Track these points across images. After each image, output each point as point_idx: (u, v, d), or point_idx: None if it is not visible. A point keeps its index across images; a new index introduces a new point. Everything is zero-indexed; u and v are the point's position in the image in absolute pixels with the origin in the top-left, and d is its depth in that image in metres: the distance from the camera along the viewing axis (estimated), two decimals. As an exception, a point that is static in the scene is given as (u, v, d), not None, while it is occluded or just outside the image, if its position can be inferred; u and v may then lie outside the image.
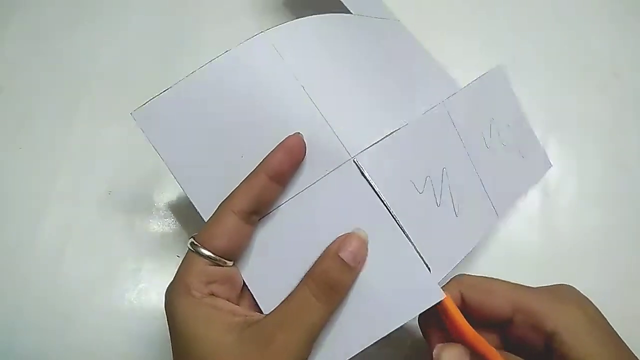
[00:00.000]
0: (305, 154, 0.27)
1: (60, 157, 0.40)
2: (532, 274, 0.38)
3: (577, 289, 0.28)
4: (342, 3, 0.34)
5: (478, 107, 0.36)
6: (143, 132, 0.28)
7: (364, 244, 0.26)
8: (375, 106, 0.31)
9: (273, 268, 0.27)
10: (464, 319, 0.25)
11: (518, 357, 0.24)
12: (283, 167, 0.26)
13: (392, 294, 0.26)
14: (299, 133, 0.27)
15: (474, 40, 0.45)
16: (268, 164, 0.26)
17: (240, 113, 0.28)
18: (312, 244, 0.27)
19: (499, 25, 0.46)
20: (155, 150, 0.28)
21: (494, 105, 0.37)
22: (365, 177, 0.27)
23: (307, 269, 0.26)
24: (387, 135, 0.29)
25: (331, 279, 0.25)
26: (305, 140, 0.27)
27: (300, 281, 0.25)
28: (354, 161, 0.27)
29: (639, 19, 0.46)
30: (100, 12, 0.45)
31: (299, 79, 0.28)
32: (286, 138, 0.26)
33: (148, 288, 0.36)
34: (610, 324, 0.27)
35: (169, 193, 0.39)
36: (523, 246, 0.38)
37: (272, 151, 0.26)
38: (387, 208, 0.27)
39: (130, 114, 0.27)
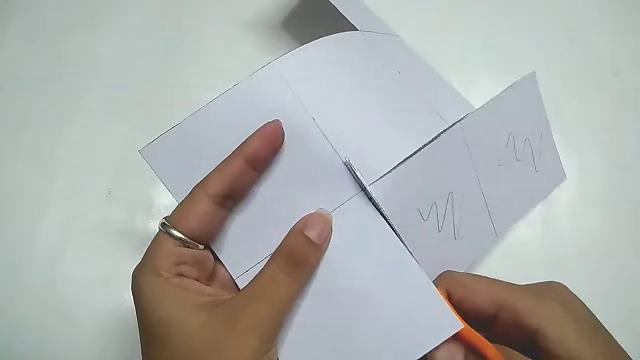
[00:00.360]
0: (283, 141, 0.27)
1: (60, 157, 0.39)
2: (532, 274, 0.38)
3: (573, 287, 0.28)
4: (345, 18, 0.34)
5: (498, 122, 0.35)
6: (151, 167, 0.28)
7: (328, 223, 0.26)
8: (387, 131, 0.30)
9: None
10: (456, 313, 0.25)
11: (511, 350, 0.24)
12: (260, 152, 0.26)
13: (409, 326, 0.26)
14: (278, 120, 0.27)
15: (473, 40, 0.45)
16: (245, 149, 0.25)
17: None
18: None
19: (499, 25, 0.45)
20: (164, 184, 0.28)
21: (517, 117, 0.36)
22: (378, 208, 0.27)
23: None
24: (398, 164, 0.29)
25: (297, 255, 0.25)
26: (316, 171, 0.27)
27: (268, 259, 0.26)
28: (368, 192, 0.27)
29: (639, 19, 0.46)
30: (101, 13, 0.45)
31: (308, 110, 0.28)
32: (265, 124, 0.26)
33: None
34: (606, 321, 0.26)
35: (169, 193, 0.38)
36: (523, 246, 0.38)
37: (249, 136, 0.26)
38: (402, 240, 0.27)
39: (139, 151, 0.27)
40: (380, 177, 0.28)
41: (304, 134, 0.28)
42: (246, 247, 0.28)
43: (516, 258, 0.38)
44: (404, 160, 0.29)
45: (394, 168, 0.29)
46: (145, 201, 0.38)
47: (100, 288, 0.36)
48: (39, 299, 0.36)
